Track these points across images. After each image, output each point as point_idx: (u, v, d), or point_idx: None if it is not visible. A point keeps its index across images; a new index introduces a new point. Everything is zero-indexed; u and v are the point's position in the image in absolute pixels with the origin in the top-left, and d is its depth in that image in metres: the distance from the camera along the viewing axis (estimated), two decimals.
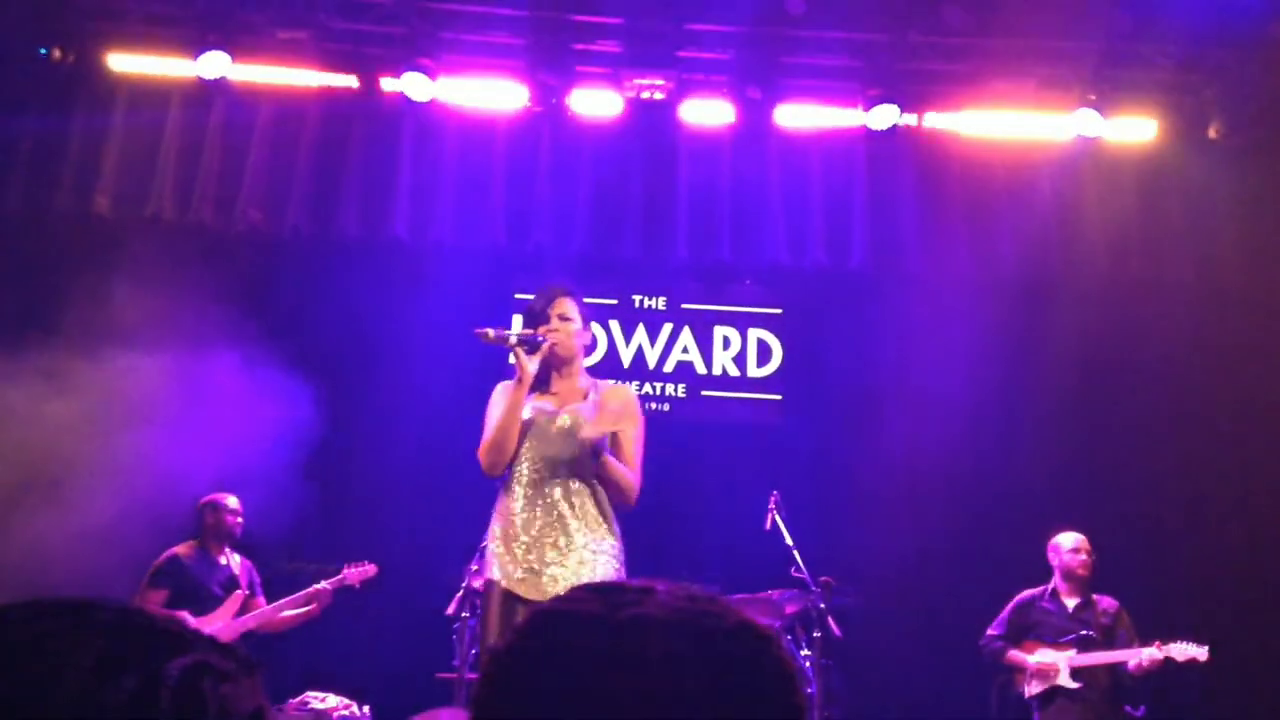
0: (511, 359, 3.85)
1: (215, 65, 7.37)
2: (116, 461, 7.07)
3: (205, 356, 7.30)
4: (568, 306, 3.96)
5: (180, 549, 6.06)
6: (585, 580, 3.70)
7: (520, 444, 3.85)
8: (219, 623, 5.88)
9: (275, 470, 6.92)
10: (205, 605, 5.92)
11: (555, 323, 3.92)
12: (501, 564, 3.81)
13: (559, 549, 3.78)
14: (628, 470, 3.91)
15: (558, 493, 3.82)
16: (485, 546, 3.95)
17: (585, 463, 3.87)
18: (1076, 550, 6.19)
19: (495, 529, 3.88)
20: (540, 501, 3.81)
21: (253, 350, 7.29)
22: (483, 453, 3.84)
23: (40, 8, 7.39)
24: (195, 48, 7.39)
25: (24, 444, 6.82)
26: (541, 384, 3.94)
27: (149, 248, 7.53)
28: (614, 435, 3.89)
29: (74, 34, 7.54)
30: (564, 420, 3.87)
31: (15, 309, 7.32)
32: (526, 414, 3.87)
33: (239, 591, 6.04)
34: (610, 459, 3.86)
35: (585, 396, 3.96)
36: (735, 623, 0.99)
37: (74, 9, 7.46)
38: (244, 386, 7.26)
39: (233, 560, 6.17)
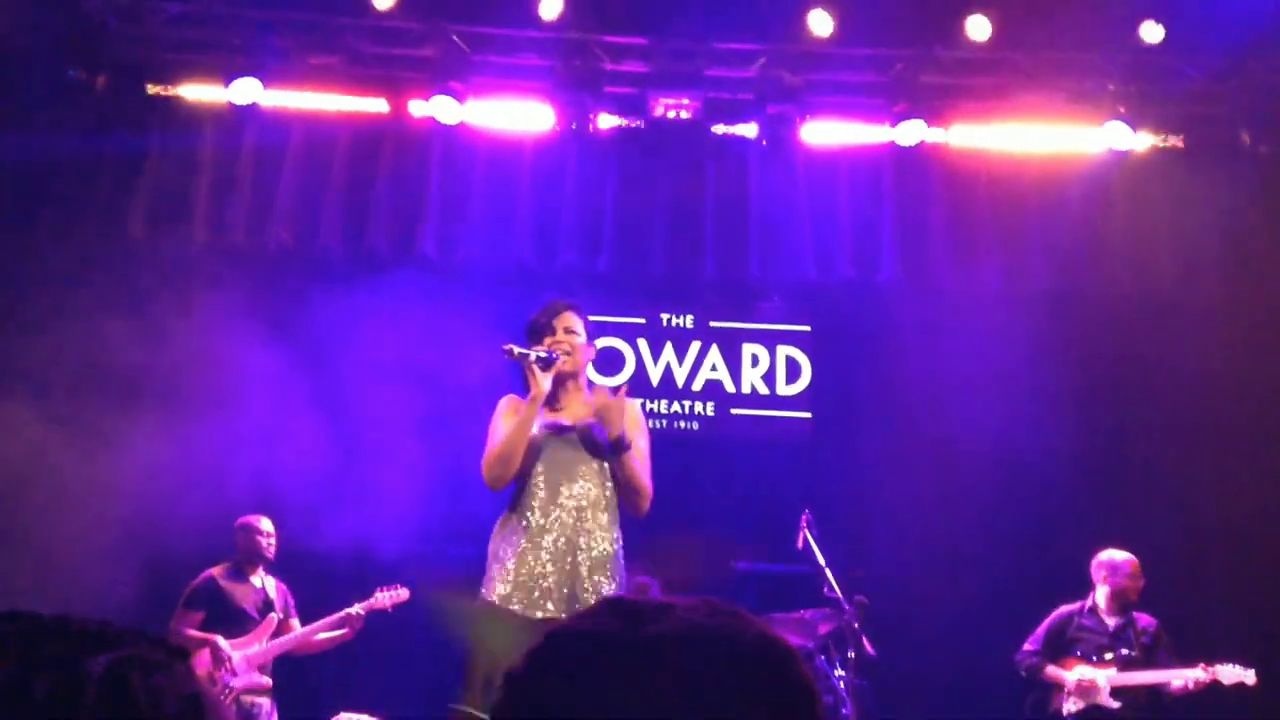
0: (526, 374, 3.86)
1: (247, 91, 7.46)
2: (144, 478, 7.14)
3: (239, 375, 7.38)
4: (573, 320, 3.98)
5: (216, 570, 6.10)
6: (589, 599, 3.71)
7: (530, 462, 3.82)
8: (254, 645, 5.91)
9: (305, 490, 6.97)
10: (240, 627, 5.95)
11: (561, 335, 3.93)
12: (503, 584, 3.75)
13: (568, 568, 3.74)
14: (645, 472, 3.89)
15: (569, 510, 3.78)
16: (490, 564, 3.86)
17: (596, 479, 3.85)
18: (1135, 575, 6.10)
19: (502, 547, 3.82)
20: (553, 520, 3.77)
21: (285, 368, 7.36)
22: (487, 466, 3.82)
23: (76, 34, 7.50)
24: (228, 74, 7.49)
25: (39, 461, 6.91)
26: (550, 400, 3.93)
27: (182, 269, 7.64)
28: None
29: (109, 61, 7.65)
30: (578, 433, 3.85)
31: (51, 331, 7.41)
32: (534, 430, 3.85)
33: (273, 614, 6.07)
34: (632, 456, 3.81)
35: (592, 412, 3.92)
36: (754, 638, 0.97)
37: (109, 36, 7.57)
38: (276, 405, 7.33)
39: (267, 582, 6.21)
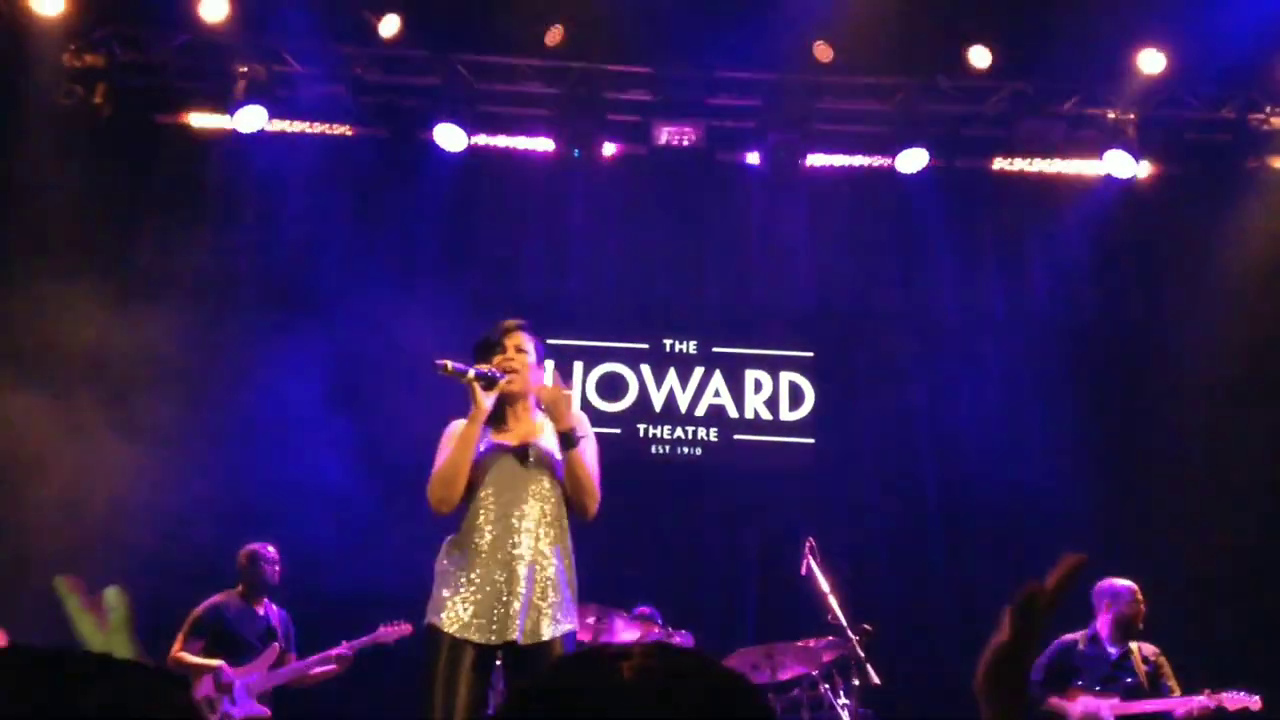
0: (468, 392, 3.73)
1: (253, 119, 7.50)
2: (154, 499, 7.15)
3: (244, 404, 7.40)
4: (523, 340, 3.85)
5: (220, 598, 6.09)
6: (546, 624, 3.61)
7: (478, 483, 3.70)
8: (255, 674, 5.89)
9: (310, 521, 6.97)
10: (243, 655, 5.93)
11: (511, 353, 3.80)
12: (455, 610, 3.61)
13: (519, 591, 3.60)
14: (594, 471, 3.76)
15: (519, 531, 3.65)
16: (436, 586, 3.72)
17: (546, 497, 3.73)
18: (1137, 602, 6.07)
19: (450, 570, 3.69)
20: (500, 542, 3.64)
21: (292, 398, 7.37)
22: (431, 487, 3.68)
23: (82, 63, 7.56)
24: (233, 103, 7.53)
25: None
26: (497, 421, 3.80)
27: (188, 297, 7.66)
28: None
29: (116, 89, 7.70)
30: (530, 453, 3.74)
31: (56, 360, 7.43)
32: (482, 450, 3.73)
33: (276, 644, 6.06)
34: (579, 453, 3.69)
35: (540, 430, 3.83)
36: (713, 681, 0.98)
37: (115, 65, 7.63)
38: (281, 433, 7.34)
39: (271, 611, 6.20)
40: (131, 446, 7.24)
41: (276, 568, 6.19)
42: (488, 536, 3.65)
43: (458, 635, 3.58)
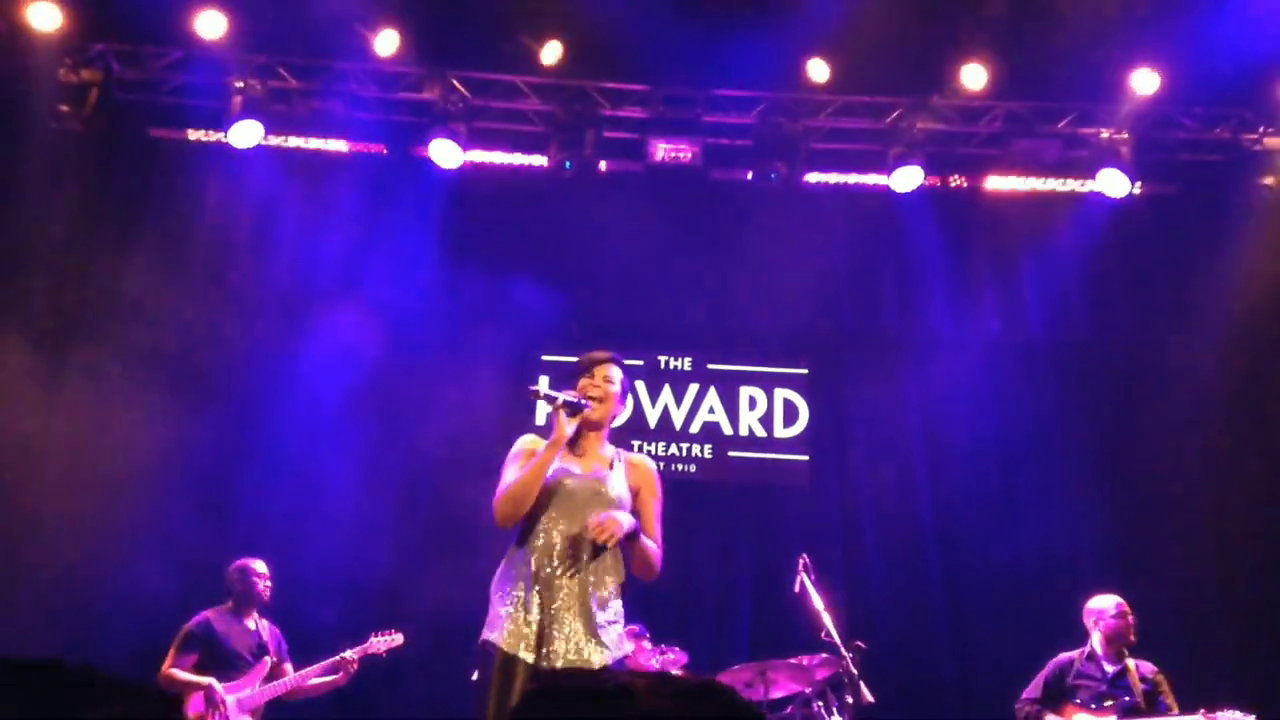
0: (549, 416, 3.87)
1: (249, 134, 7.51)
2: (152, 522, 7.13)
3: (237, 416, 7.40)
4: (613, 372, 3.97)
5: (210, 613, 6.05)
6: (595, 650, 3.69)
7: (541, 505, 3.79)
8: (247, 689, 5.86)
9: (303, 536, 6.96)
10: (234, 670, 5.90)
11: (599, 381, 3.92)
12: (511, 629, 3.70)
13: (572, 617, 3.70)
14: (656, 547, 3.89)
15: (579, 559, 3.74)
16: (494, 604, 3.81)
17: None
18: (1123, 614, 6.05)
19: (507, 590, 3.78)
20: (561, 567, 3.73)
21: (285, 410, 7.37)
22: (500, 503, 3.77)
23: (77, 78, 7.57)
24: (229, 118, 7.54)
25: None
26: (570, 445, 3.89)
27: (183, 311, 7.66)
28: (636, 508, 3.88)
29: (112, 105, 7.71)
30: (598, 488, 3.83)
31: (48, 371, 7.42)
32: (551, 474, 3.81)
33: (267, 658, 6.02)
34: (644, 538, 3.83)
35: (610, 465, 3.93)
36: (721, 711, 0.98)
37: (111, 80, 7.63)
38: (273, 444, 7.34)
39: (261, 625, 6.16)
40: (120, 458, 7.24)
41: (267, 582, 6.16)
42: (546, 560, 3.74)
43: (510, 652, 3.67)
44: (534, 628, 3.70)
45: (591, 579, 3.74)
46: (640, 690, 0.97)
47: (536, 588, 3.72)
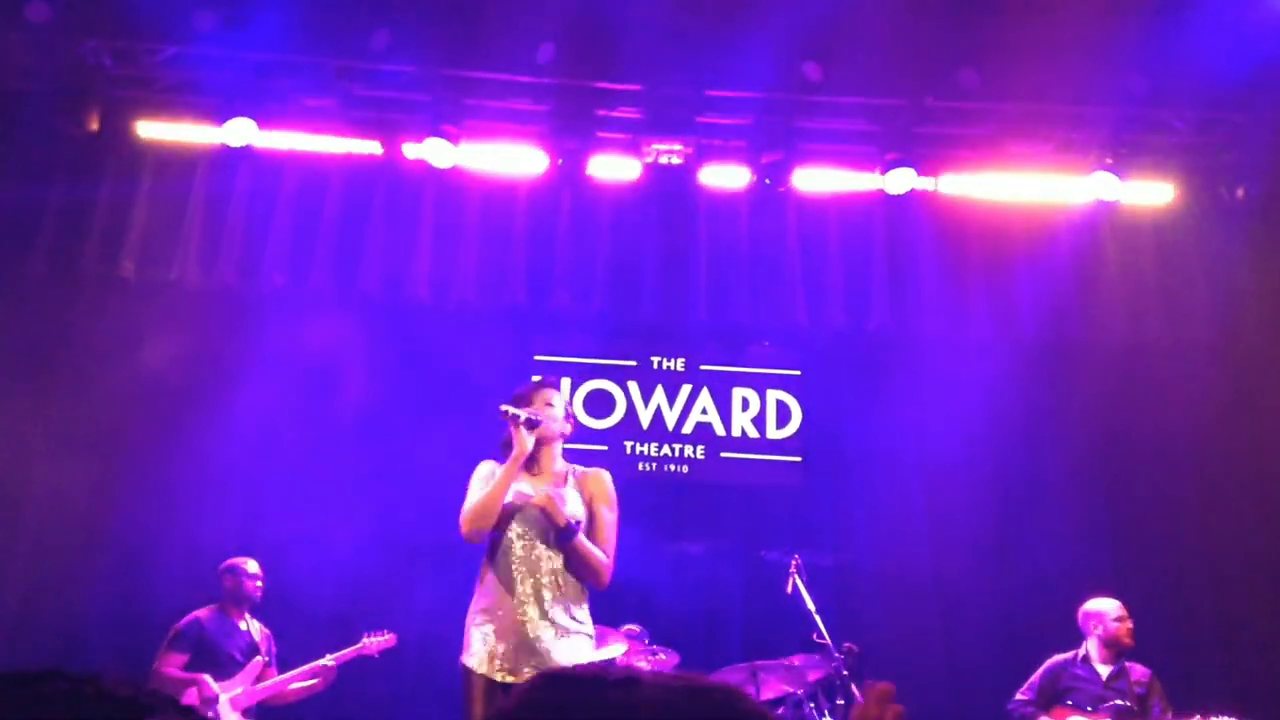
0: (513, 432, 4.13)
1: (241, 132, 7.48)
2: (140, 523, 7.10)
3: (231, 416, 7.37)
4: (553, 396, 4.30)
5: (201, 613, 6.04)
6: (568, 659, 3.88)
7: (504, 524, 4.04)
8: (238, 688, 5.85)
9: (295, 535, 6.93)
10: (225, 670, 5.88)
11: (540, 407, 4.22)
12: (482, 652, 3.92)
13: (542, 629, 3.91)
14: (599, 552, 4.09)
15: (541, 570, 3.98)
16: (467, 628, 4.05)
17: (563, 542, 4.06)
18: (1122, 618, 6.07)
19: (477, 612, 4.03)
20: (524, 579, 3.96)
21: (276, 409, 7.35)
22: (465, 520, 4.04)
23: (69, 75, 7.53)
24: (221, 115, 7.51)
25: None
26: (529, 464, 4.19)
27: (174, 311, 7.63)
28: (589, 518, 4.13)
29: (102, 101, 7.68)
30: (540, 499, 4.07)
31: (40, 368, 7.39)
32: (511, 494, 4.08)
33: (259, 658, 6.01)
34: (581, 539, 4.04)
35: (564, 479, 4.21)
36: (724, 705, 0.97)
37: (103, 77, 7.60)
38: (265, 443, 7.31)
39: (253, 626, 6.15)
40: (113, 459, 7.21)
41: (258, 582, 6.15)
42: (513, 579, 3.99)
43: (485, 674, 3.90)
44: (506, 645, 3.91)
45: (557, 591, 3.98)
46: (646, 681, 0.97)
47: (502, 608, 3.96)
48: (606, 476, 4.30)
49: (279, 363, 7.46)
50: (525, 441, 4.07)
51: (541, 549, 4.00)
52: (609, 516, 4.19)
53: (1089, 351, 8.10)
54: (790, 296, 8.15)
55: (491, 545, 4.07)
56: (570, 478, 4.23)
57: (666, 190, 8.07)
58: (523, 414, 4.12)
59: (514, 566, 3.98)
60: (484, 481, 4.12)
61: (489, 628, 3.94)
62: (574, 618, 3.99)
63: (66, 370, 7.39)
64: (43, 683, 0.95)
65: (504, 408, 4.14)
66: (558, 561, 4.00)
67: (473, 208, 8.05)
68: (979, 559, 7.57)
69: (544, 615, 3.92)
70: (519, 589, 3.94)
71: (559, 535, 4.01)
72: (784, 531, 7.57)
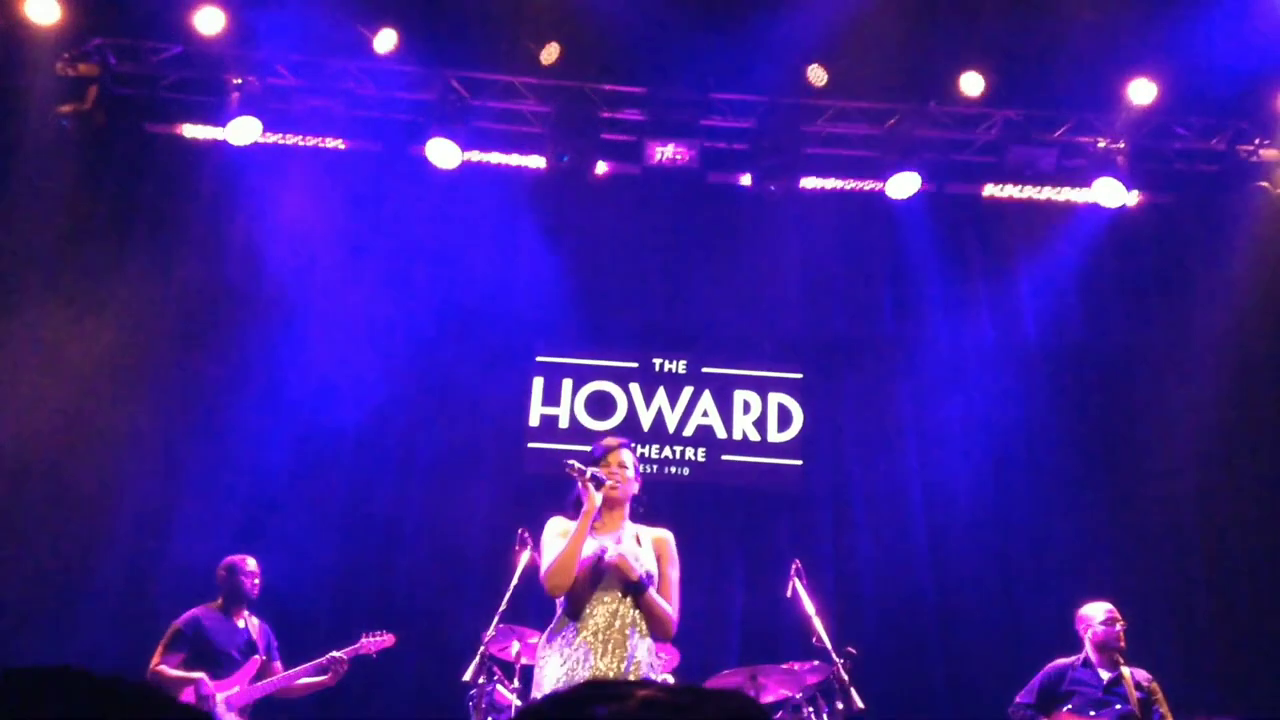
0: (580, 489, 4.22)
1: (246, 131, 7.49)
2: (149, 520, 7.11)
3: (231, 415, 7.38)
4: (625, 457, 4.38)
5: (199, 610, 6.03)
6: None
7: (583, 582, 4.16)
8: (236, 686, 5.84)
9: (295, 534, 6.94)
10: (223, 668, 5.87)
11: (615, 468, 4.32)
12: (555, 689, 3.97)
13: (611, 673, 4.02)
14: (668, 605, 4.21)
15: (614, 628, 4.11)
16: (542, 667, 4.15)
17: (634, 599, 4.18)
18: (1112, 621, 6.06)
19: (550, 656, 4.14)
20: (596, 635, 4.10)
21: (277, 406, 7.36)
22: (547, 577, 4.16)
23: (76, 72, 7.54)
24: (226, 114, 7.52)
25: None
26: (594, 525, 4.28)
27: (178, 309, 7.64)
28: (659, 577, 4.25)
29: (109, 99, 7.69)
30: (613, 555, 4.17)
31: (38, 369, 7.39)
32: (588, 552, 4.19)
33: (257, 656, 6.00)
34: (654, 594, 4.18)
35: (637, 540, 4.31)
36: (714, 711, 0.97)
37: (109, 74, 7.61)
38: (264, 443, 7.32)
39: (251, 623, 6.14)
40: (115, 456, 7.22)
41: (256, 580, 6.14)
42: (591, 632, 4.13)
43: None
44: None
45: (631, 647, 4.11)
46: (638, 696, 0.97)
47: (578, 650, 4.10)
48: (670, 538, 4.42)
49: (279, 362, 7.47)
50: (595, 498, 4.20)
51: (613, 603, 4.14)
52: (673, 575, 4.32)
53: (1090, 357, 8.10)
54: (793, 299, 8.15)
55: (570, 598, 4.19)
56: (641, 539, 4.35)
57: (670, 192, 8.08)
58: (588, 470, 4.23)
59: (596, 623, 4.12)
60: (558, 538, 4.25)
61: (563, 673, 4.05)
62: (650, 664, 4.14)
63: (67, 370, 7.39)
64: (66, 680, 0.95)
65: (571, 462, 4.25)
66: (631, 613, 4.13)
67: (477, 208, 8.06)
68: (979, 562, 7.57)
69: (620, 661, 4.06)
70: (600, 644, 4.08)
71: (632, 589, 4.15)
72: (784, 535, 7.57)
